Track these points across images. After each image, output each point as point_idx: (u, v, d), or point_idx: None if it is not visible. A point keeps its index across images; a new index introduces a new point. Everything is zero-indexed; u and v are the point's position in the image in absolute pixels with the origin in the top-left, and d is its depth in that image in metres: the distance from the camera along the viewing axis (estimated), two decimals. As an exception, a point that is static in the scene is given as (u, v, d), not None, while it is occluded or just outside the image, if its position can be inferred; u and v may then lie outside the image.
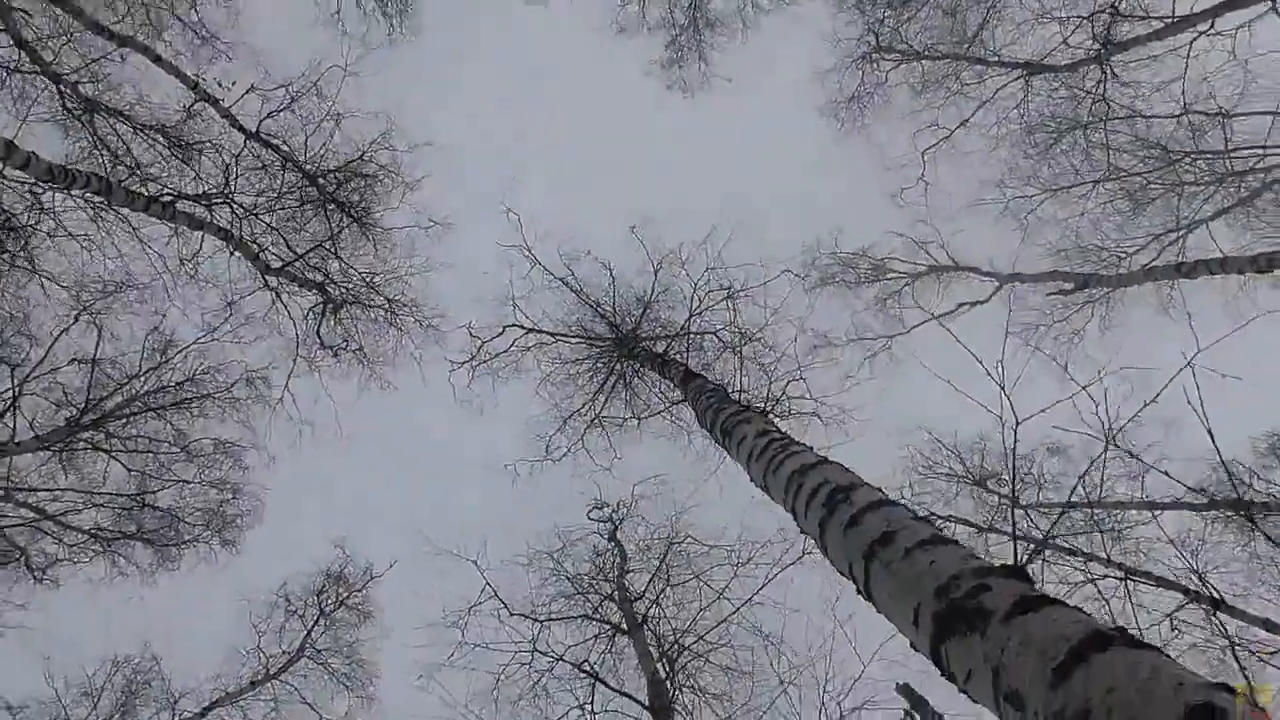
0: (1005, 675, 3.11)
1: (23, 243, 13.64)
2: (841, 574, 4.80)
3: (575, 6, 17.43)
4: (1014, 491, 6.16)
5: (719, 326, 13.12)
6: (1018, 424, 5.88)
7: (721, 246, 12.60)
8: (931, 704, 12.22)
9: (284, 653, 17.73)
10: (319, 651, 18.00)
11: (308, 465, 18.88)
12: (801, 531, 5.55)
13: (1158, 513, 14.20)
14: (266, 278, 14.49)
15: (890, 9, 16.98)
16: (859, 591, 4.46)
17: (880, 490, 4.87)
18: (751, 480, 6.60)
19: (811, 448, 6.11)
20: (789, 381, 11.71)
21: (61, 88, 12.90)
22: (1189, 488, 14.55)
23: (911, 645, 4.01)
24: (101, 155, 13.40)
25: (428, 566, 13.27)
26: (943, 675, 3.68)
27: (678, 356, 12.38)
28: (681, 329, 12.90)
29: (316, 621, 18.16)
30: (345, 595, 18.45)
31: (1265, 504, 13.83)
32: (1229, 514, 14.07)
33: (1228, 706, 2.40)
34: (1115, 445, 11.62)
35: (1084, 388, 5.94)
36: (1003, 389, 5.65)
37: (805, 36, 17.54)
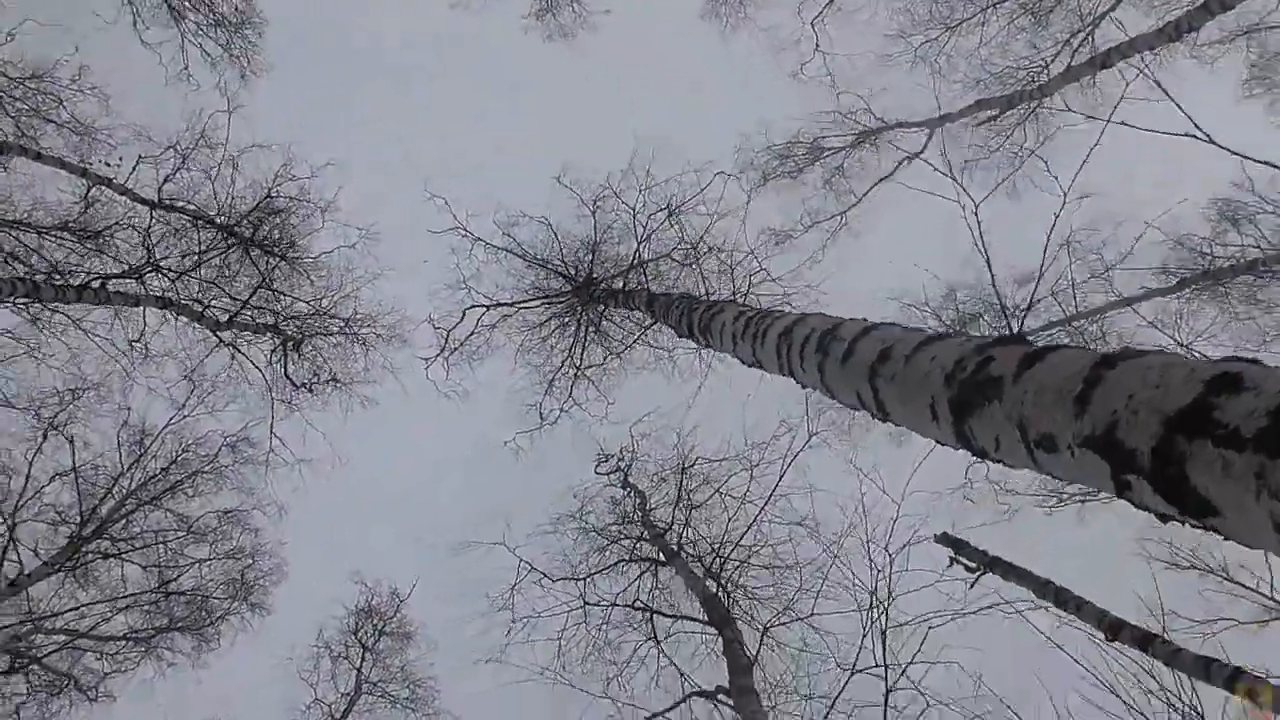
0: (1030, 426, 3.17)
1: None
2: (853, 408, 4.87)
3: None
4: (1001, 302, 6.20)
5: (672, 247, 13.15)
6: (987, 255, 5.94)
7: (648, 168, 12.58)
8: (971, 542, 12.45)
9: (343, 695, 17.84)
10: (374, 685, 18.14)
11: (318, 502, 18.82)
12: (803, 387, 5.60)
13: (1132, 307, 14.46)
14: (218, 334, 14.32)
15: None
16: (874, 414, 4.52)
17: (864, 319, 4.92)
18: (742, 361, 6.64)
19: (788, 310, 6.15)
20: (751, 275, 11.80)
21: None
22: (1158, 269, 14.88)
23: (938, 442, 4.09)
24: (13, 267, 13.16)
25: (457, 564, 13.36)
26: (975, 455, 3.76)
27: (638, 287, 12.41)
28: (634, 259, 12.90)
29: (363, 658, 18.26)
30: (381, 625, 18.55)
31: (1231, 268, 14.08)
32: (1198, 288, 14.36)
33: (1242, 370, 2.45)
34: (1075, 245, 11.82)
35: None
36: (976, 212, 5.68)
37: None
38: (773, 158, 17.39)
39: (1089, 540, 15.14)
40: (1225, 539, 2.75)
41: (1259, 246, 13.91)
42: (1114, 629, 8.89)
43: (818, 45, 17.07)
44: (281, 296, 14.90)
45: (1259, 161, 6.00)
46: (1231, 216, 14.12)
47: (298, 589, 18.13)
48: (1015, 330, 4.03)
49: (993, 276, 5.21)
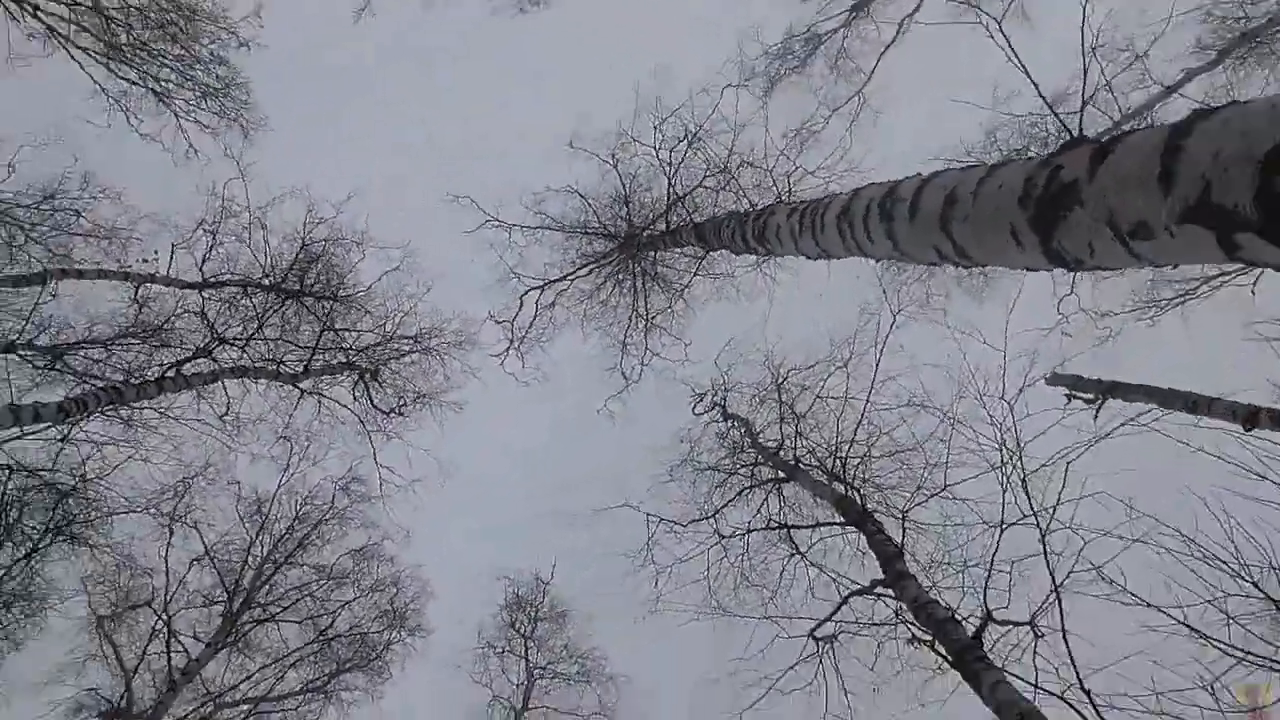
0: (1120, 219, 3.08)
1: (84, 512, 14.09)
2: (934, 264, 4.80)
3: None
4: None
5: (703, 175, 13.02)
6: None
7: (657, 100, 12.46)
8: (1083, 376, 12.27)
9: (518, 686, 18.38)
10: (544, 669, 18.66)
11: (441, 513, 19.28)
12: (876, 261, 5.54)
13: (1176, 94, 13.93)
14: (298, 386, 14.64)
15: None
16: (956, 262, 4.44)
17: (918, 174, 4.82)
18: (807, 256, 6.56)
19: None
20: (790, 176, 11.65)
21: (20, 353, 13.05)
22: (1194, 49, 14.27)
23: (1029, 269, 4.01)
24: (86, 384, 13.58)
25: (590, 536, 13.54)
26: (1070, 268, 3.67)
27: (682, 223, 12.35)
28: (669, 197, 12.81)
29: (526, 647, 18.76)
30: (534, 612, 19.02)
31: (1269, 22, 13.43)
32: (1240, 54, 13.76)
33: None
34: (1101, 46, 11.40)
35: None
36: (1001, 28, 5.55)
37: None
38: (773, 59, 17.07)
39: (1198, 347, 14.75)
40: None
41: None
42: (1250, 417, 8.72)
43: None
44: (346, 334, 15.17)
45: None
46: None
47: (449, 600, 18.69)
48: (1075, 134, 3.91)
49: (1035, 85, 5.04)
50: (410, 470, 15.49)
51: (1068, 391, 12.12)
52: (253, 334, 14.35)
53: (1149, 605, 7.03)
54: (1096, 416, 10.70)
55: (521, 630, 18.83)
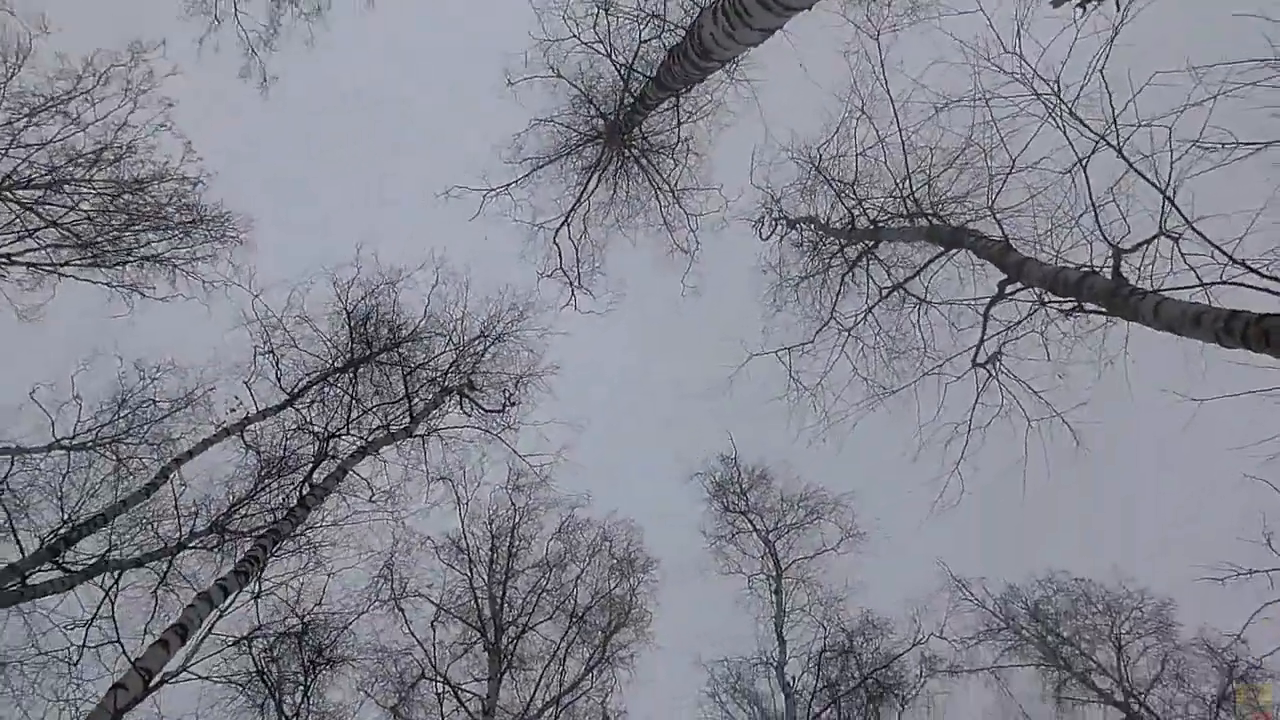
0: None
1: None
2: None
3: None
4: None
5: (639, 32, 12.61)
6: None
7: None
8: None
9: (761, 556, 19.06)
10: (774, 528, 19.23)
11: (601, 462, 19.63)
12: (808, 8, 5.30)
13: None
14: (415, 435, 15.03)
15: None
16: None
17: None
18: (752, 45, 6.36)
19: None
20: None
21: (191, 545, 13.64)
22: None
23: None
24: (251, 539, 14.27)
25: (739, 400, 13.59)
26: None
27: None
28: (621, 73, 12.47)
29: (749, 520, 19.38)
30: (738, 487, 19.54)
31: None
32: None
33: None
34: None
35: None
36: None
37: None
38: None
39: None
40: None
41: None
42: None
43: None
44: (428, 367, 15.44)
45: None
46: None
47: (659, 525, 19.14)
48: None
49: None
50: (551, 443, 15.81)
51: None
52: (351, 415, 14.75)
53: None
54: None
55: (737, 508, 19.25)
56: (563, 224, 13.90)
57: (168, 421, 14.67)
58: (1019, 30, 7.27)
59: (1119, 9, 9.54)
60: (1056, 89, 7.06)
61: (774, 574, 18.51)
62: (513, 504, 17.11)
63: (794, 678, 17.10)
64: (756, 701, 17.53)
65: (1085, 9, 11.66)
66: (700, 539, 19.44)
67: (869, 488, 18.90)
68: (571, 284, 14.20)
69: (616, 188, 14.05)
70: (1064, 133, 7.13)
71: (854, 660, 17.39)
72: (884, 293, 12.00)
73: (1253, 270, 5.65)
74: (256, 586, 12.67)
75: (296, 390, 14.56)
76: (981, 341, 9.54)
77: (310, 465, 13.58)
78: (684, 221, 13.99)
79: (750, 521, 19.25)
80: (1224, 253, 5.87)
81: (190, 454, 14.13)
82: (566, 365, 16.13)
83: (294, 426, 14.47)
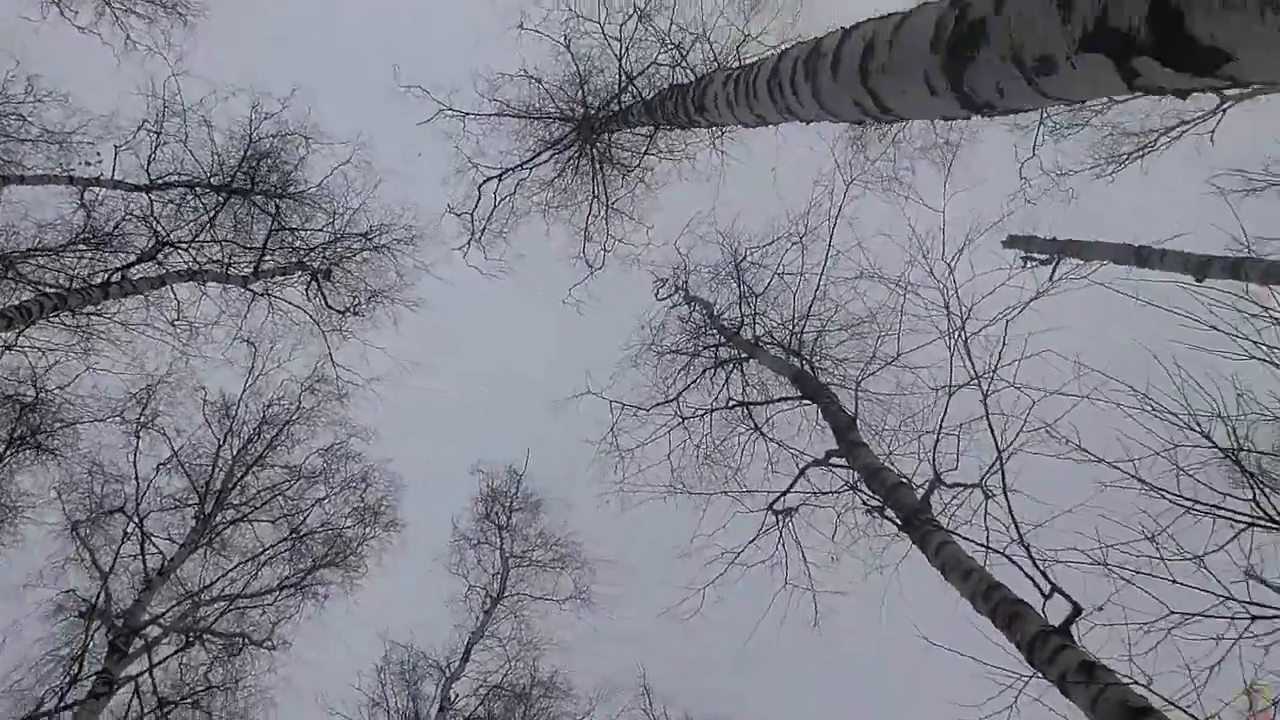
0: (1025, 54, 2.96)
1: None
2: (858, 122, 4.68)
3: None
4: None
5: (655, 53, 12.65)
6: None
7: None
8: (1038, 235, 12.21)
9: (494, 575, 18.77)
10: (520, 557, 19.04)
11: (409, 410, 19.32)
12: (807, 123, 5.38)
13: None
14: (249, 289, 14.41)
15: None
16: (879, 117, 4.31)
17: (842, 27, 4.64)
18: (744, 125, 6.41)
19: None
20: (739, 49, 11.36)
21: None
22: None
23: (946, 118, 3.91)
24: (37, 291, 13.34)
25: (559, 426, 13.58)
26: (982, 113, 3.56)
27: (635, 98, 12.02)
28: (621, 78, 12.43)
29: (501, 537, 19.17)
30: (509, 503, 19.24)
31: None
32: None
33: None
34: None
35: None
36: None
37: None
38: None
39: (1158, 202, 14.69)
40: (1243, 85, 2.57)
41: None
42: (1201, 266, 8.69)
43: None
44: (297, 233, 14.88)
45: None
46: None
47: (423, 496, 18.86)
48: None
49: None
50: (370, 369, 15.40)
51: (1023, 253, 12.09)
52: (199, 235, 14.05)
53: (1099, 460, 7.09)
54: (1053, 275, 10.65)
55: (497, 521, 19.09)
56: (497, 177, 13.66)
57: (28, 147, 13.63)
58: (963, 247, 7.59)
59: (1050, 279, 10.07)
60: (964, 316, 7.36)
61: (494, 595, 18.42)
62: (300, 402, 16.50)
63: (457, 695, 17.00)
64: (416, 697, 17.30)
65: (1026, 264, 12.35)
66: (448, 529, 19.23)
67: (625, 561, 19.06)
68: (473, 233, 13.92)
69: (561, 174, 13.93)
70: (951, 356, 7.42)
71: (523, 708, 17.34)
72: (730, 404, 12.23)
73: (1031, 558, 5.94)
74: (14, 338, 11.84)
75: (160, 181, 13.80)
76: (786, 492, 9.77)
77: (135, 259, 12.86)
78: (602, 239, 13.96)
79: (500, 539, 19.13)
80: (1017, 530, 6.18)
81: (22, 179, 13.23)
82: (428, 311, 15.80)
83: (139, 214, 13.68)
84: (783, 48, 5.46)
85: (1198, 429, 7.27)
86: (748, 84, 5.93)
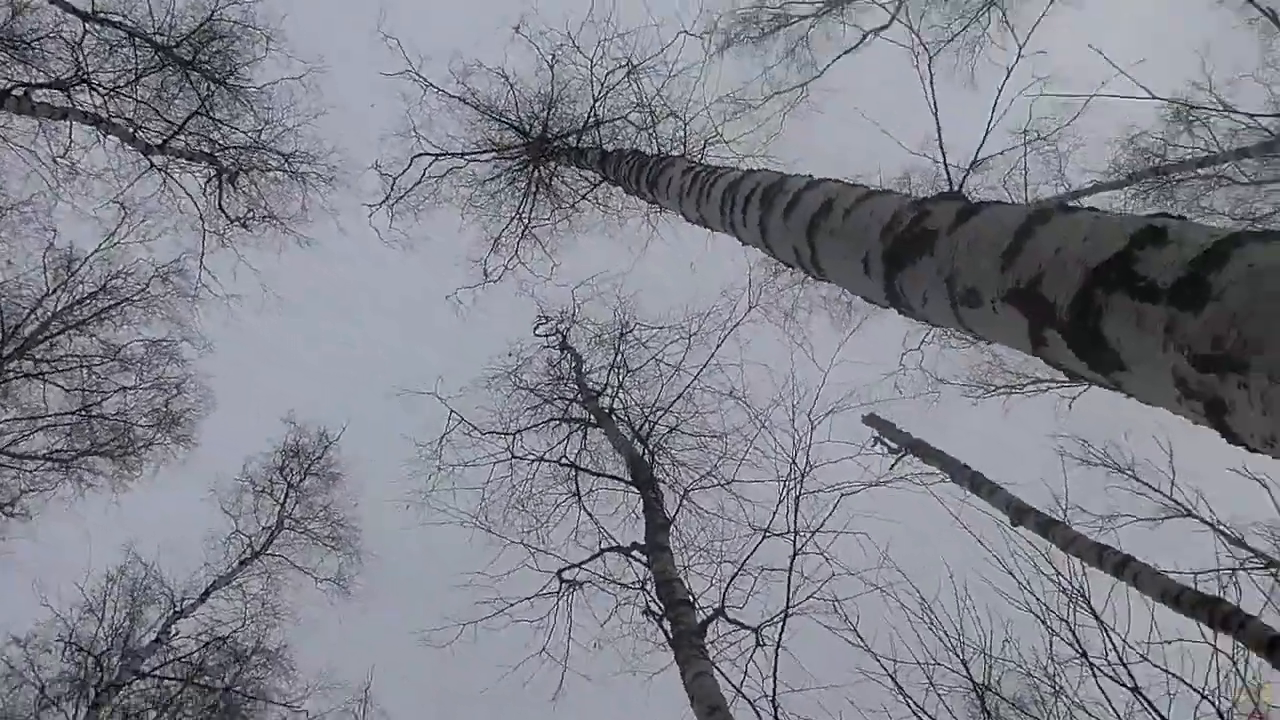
0: (958, 280, 3.16)
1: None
2: (789, 264, 4.86)
3: None
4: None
5: (629, 109, 12.85)
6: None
7: (610, 18, 12.16)
8: (896, 425, 12.76)
9: (263, 529, 18.06)
10: (296, 521, 18.38)
11: (251, 340, 18.63)
12: (743, 244, 5.56)
13: (1081, 200, 14.58)
14: (150, 159, 13.78)
15: None
16: (809, 270, 4.50)
17: (810, 175, 4.86)
18: (686, 218, 6.56)
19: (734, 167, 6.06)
20: (707, 138, 11.65)
21: None
22: (1109, 170, 14.95)
23: (867, 299, 4.11)
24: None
25: (390, 413, 13.36)
26: (901, 310, 3.77)
27: (592, 145, 12.14)
28: (590, 118, 12.59)
29: (286, 495, 18.44)
30: (307, 464, 18.68)
31: (1180, 164, 14.17)
32: (1146, 185, 14.49)
33: (1168, 223, 2.42)
34: (1038, 138, 11.81)
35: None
36: (930, 63, 5.62)
37: None
38: (737, 21, 17.00)
39: (1007, 431, 15.62)
40: (1128, 395, 2.81)
41: (1209, 151, 13.97)
42: (1020, 514, 9.25)
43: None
44: (220, 126, 14.36)
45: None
46: (1186, 118, 14.05)
47: (226, 425, 18.11)
48: (956, 188, 4.01)
49: (939, 127, 5.12)
50: (234, 285, 14.86)
51: (877, 435, 12.60)
52: (124, 87, 13.42)
53: (866, 649, 7.43)
54: (893, 467, 11.16)
55: (288, 477, 18.45)
56: (433, 157, 13.51)
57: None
58: (829, 412, 7.91)
59: (890, 470, 10.52)
60: (804, 472, 7.65)
61: (256, 548, 17.71)
62: (148, 286, 15.70)
63: (178, 632, 16.27)
64: (135, 619, 16.37)
65: (876, 445, 12.88)
66: (237, 467, 18.49)
67: (398, 568, 18.72)
68: (388, 196, 13.66)
69: (496, 179, 13.86)
70: (778, 503, 7.67)
71: (236, 669, 16.60)
72: (561, 460, 12.28)
73: (776, 718, 6.15)
74: None
75: (102, 15, 13.15)
76: (580, 565, 9.82)
77: (46, 81, 12.18)
78: (509, 255, 13.89)
79: (285, 497, 18.40)
80: (774, 686, 6.41)
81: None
82: (317, 255, 15.41)
83: (68, 39, 12.98)
84: (751, 167, 5.65)
85: (960, 656, 7.70)
86: (705, 186, 6.10)
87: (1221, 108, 13.34)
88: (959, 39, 16.06)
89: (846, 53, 16.71)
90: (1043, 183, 14.25)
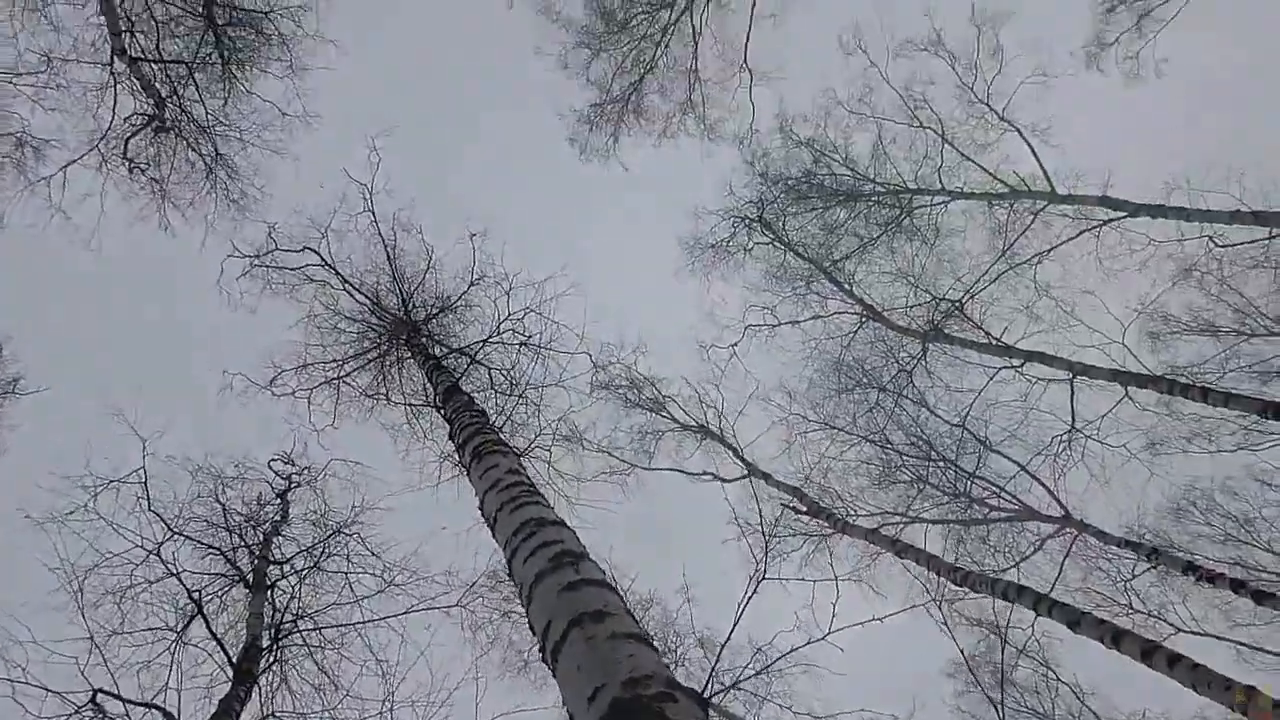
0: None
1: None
2: (532, 631, 4.81)
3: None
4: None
5: (506, 367, 13.07)
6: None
7: (550, 299, 12.69)
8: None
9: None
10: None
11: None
12: (509, 576, 5.54)
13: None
14: (115, 58, 13.16)
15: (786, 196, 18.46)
16: (541, 652, 4.48)
17: (605, 575, 4.95)
18: (481, 509, 6.52)
19: (552, 508, 6.14)
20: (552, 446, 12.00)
21: None
22: None
23: (571, 716, 4.09)
24: None
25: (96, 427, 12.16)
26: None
27: (453, 370, 12.07)
28: (469, 349, 12.73)
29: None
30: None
31: None
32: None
33: None
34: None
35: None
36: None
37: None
38: (624, 378, 18.12)
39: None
40: None
41: None
42: None
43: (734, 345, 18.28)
44: (194, 82, 13.93)
45: None
46: None
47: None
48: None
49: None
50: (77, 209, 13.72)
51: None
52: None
53: None
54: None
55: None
56: (319, 262, 13.14)
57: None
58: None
59: None
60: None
61: None
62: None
63: None
64: None
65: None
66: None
67: None
68: (256, 259, 13.05)
69: (353, 324, 13.48)
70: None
71: None
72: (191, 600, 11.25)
73: None
74: None
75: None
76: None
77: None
78: (303, 386, 13.25)
79: None
80: None
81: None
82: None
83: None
84: (538, 554, 5.57)
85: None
86: (515, 498, 6.10)
87: None
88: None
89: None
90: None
